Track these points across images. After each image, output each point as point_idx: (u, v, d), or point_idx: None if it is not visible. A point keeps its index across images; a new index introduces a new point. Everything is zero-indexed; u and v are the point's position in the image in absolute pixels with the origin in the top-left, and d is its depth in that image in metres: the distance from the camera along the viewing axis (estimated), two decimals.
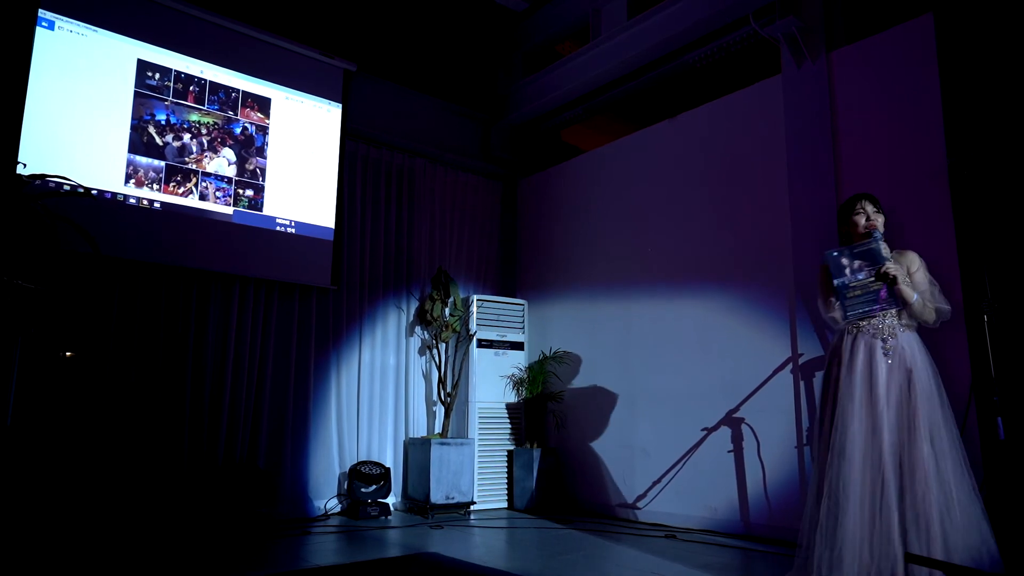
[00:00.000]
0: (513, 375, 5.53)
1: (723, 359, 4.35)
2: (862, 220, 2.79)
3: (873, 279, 2.62)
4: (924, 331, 2.76)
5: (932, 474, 2.41)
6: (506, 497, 5.35)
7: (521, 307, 5.80)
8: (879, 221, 2.78)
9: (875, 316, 2.66)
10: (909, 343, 2.64)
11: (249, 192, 4.68)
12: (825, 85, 4.03)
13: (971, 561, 2.30)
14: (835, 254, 2.69)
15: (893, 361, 2.59)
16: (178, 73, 4.46)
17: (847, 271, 2.67)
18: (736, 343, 4.30)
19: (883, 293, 2.61)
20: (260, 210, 4.71)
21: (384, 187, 5.50)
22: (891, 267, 2.60)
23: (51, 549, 3.50)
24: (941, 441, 2.48)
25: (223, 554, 3.54)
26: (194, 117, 4.49)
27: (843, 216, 2.88)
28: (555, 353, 5.45)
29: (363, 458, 5.00)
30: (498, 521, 4.72)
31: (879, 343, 2.64)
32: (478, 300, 5.54)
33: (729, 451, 4.22)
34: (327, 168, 5.05)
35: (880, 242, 2.66)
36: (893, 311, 2.65)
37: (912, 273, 2.71)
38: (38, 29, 3.95)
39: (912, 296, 2.62)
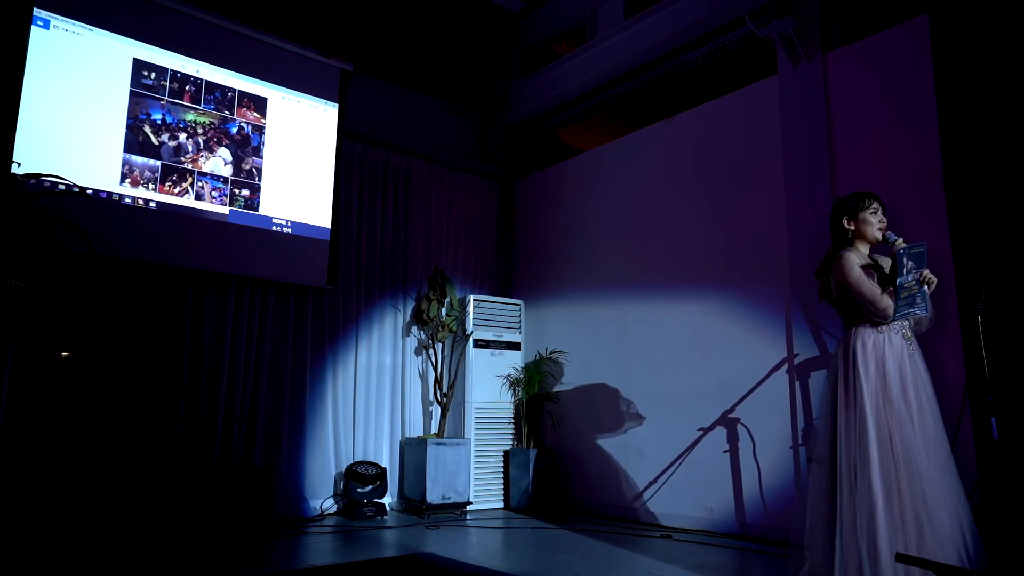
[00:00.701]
0: (509, 375, 5.53)
1: (719, 359, 4.36)
2: (876, 220, 2.73)
3: (917, 282, 2.59)
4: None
5: (952, 476, 2.45)
6: (502, 497, 5.35)
7: (517, 307, 5.80)
8: (886, 223, 2.75)
9: (909, 319, 2.65)
10: (918, 347, 2.66)
11: (245, 192, 4.67)
12: (821, 86, 4.03)
13: (957, 560, 2.31)
14: (902, 251, 2.58)
15: (915, 363, 2.60)
16: (174, 72, 4.45)
17: (905, 271, 2.59)
18: (732, 343, 4.30)
19: (920, 298, 2.62)
20: (256, 210, 4.71)
21: (380, 187, 5.50)
22: (928, 273, 2.60)
23: (46, 549, 3.50)
24: (945, 451, 2.51)
25: (219, 554, 3.54)
26: (190, 117, 4.49)
27: (851, 211, 2.77)
28: (551, 353, 5.46)
29: (359, 458, 5.00)
30: (494, 521, 4.72)
31: (906, 345, 2.62)
32: (474, 300, 5.54)
33: (725, 451, 4.23)
34: (323, 168, 5.04)
35: (926, 247, 2.63)
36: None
37: None
38: (33, 28, 3.94)
39: (930, 305, 2.67)
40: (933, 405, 2.55)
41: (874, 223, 2.73)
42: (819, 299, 2.90)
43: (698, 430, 4.39)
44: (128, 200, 4.18)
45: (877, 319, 2.62)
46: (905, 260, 2.57)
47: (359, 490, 4.69)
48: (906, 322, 2.65)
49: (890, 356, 2.58)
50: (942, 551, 2.32)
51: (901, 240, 2.65)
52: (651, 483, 4.64)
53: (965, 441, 3.14)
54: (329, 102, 5.13)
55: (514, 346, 5.68)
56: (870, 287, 2.63)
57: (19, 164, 3.68)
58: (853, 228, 2.77)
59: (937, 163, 3.46)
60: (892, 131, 3.71)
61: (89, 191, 3.93)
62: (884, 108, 3.77)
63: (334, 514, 4.75)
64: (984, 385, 2.87)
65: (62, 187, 3.62)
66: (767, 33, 4.20)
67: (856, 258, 2.70)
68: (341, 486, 4.80)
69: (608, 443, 5.02)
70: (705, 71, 4.96)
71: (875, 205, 2.75)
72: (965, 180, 3.33)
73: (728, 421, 4.24)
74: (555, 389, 5.43)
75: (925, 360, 2.66)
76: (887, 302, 2.59)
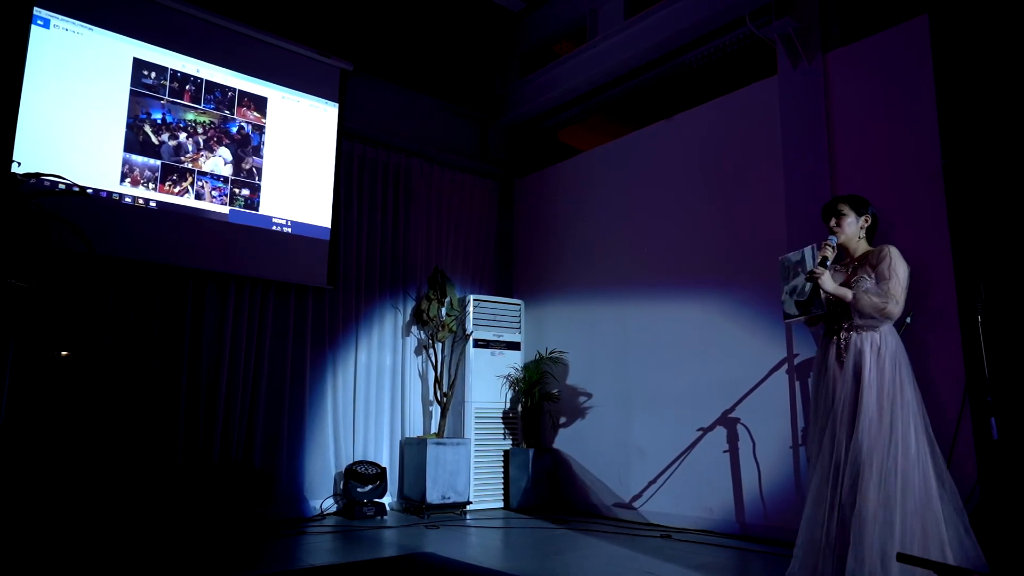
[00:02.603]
0: (509, 375, 5.53)
1: (719, 359, 4.36)
2: (832, 225, 2.80)
3: (804, 282, 2.70)
4: (909, 330, 2.78)
5: (870, 476, 2.42)
6: (502, 497, 5.35)
7: (517, 307, 5.80)
8: (846, 222, 2.76)
9: (819, 314, 2.74)
10: (860, 344, 2.60)
11: (245, 191, 4.67)
12: (821, 86, 4.04)
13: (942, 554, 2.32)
14: (780, 258, 2.87)
15: (846, 364, 2.60)
16: (174, 72, 4.45)
17: (789, 274, 2.80)
18: (732, 343, 4.30)
19: (808, 298, 2.73)
20: (256, 209, 4.70)
21: (381, 187, 5.50)
22: (817, 270, 2.61)
23: (46, 549, 3.50)
24: (902, 438, 2.47)
25: (219, 554, 3.54)
26: (190, 116, 4.49)
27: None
28: (551, 353, 5.46)
29: (359, 458, 5.00)
30: (494, 521, 4.72)
31: (833, 348, 2.68)
32: (474, 300, 5.54)
33: (725, 451, 4.23)
34: (323, 168, 5.04)
35: (816, 247, 2.73)
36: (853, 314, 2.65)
37: (875, 268, 2.65)
38: (33, 27, 3.94)
39: (847, 295, 2.61)
40: (888, 401, 2.51)
41: (832, 230, 2.82)
42: None
43: (698, 430, 4.40)
44: (128, 200, 4.18)
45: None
46: (785, 264, 2.81)
47: (359, 490, 4.69)
48: (845, 323, 2.65)
49: (824, 361, 2.71)
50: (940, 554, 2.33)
51: (832, 242, 2.75)
52: (651, 483, 4.64)
53: (965, 441, 3.14)
54: (329, 102, 5.13)
55: (514, 346, 5.68)
56: None
57: (19, 163, 3.68)
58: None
59: (937, 163, 3.47)
60: (892, 131, 3.71)
61: (89, 191, 3.93)
62: (884, 108, 3.77)
63: (334, 514, 4.75)
64: (984, 385, 2.87)
65: (62, 187, 3.62)
66: (767, 33, 4.21)
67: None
68: (341, 486, 4.80)
69: (608, 443, 5.02)
70: (705, 71, 4.96)
71: (830, 215, 2.82)
72: (965, 180, 3.33)
73: (728, 421, 4.25)
74: (555, 389, 5.43)
75: (915, 358, 2.67)
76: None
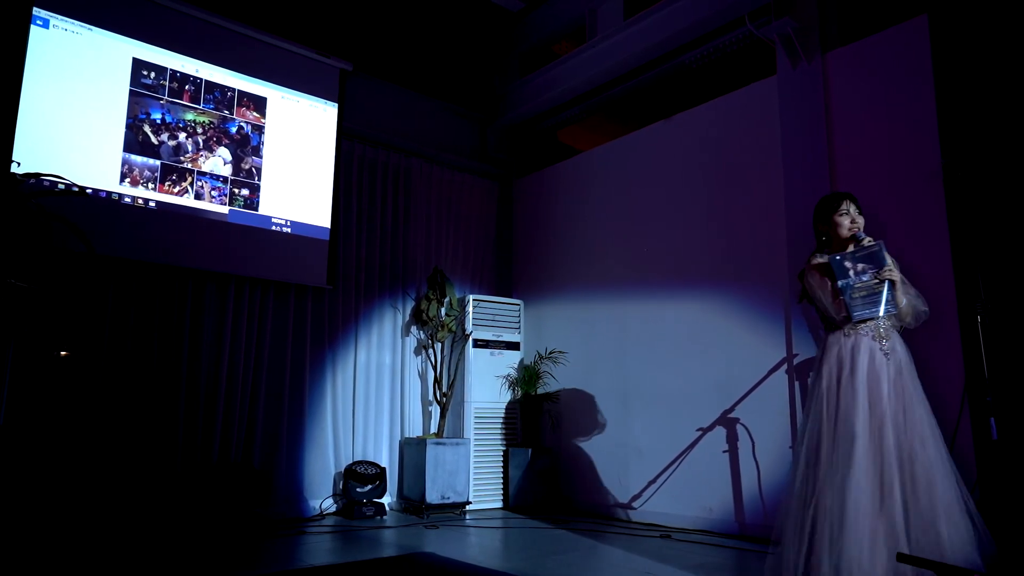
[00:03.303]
0: (509, 375, 5.53)
1: (718, 359, 4.36)
2: (846, 221, 2.75)
3: (877, 281, 2.63)
4: (909, 331, 2.77)
5: (936, 475, 2.41)
6: (501, 497, 5.35)
7: (517, 307, 5.81)
8: (860, 223, 2.76)
9: (876, 318, 2.64)
10: (900, 344, 2.64)
11: (245, 191, 4.67)
12: (820, 86, 4.04)
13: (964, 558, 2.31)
14: (838, 258, 2.69)
15: (891, 362, 2.58)
16: (173, 72, 4.45)
17: (851, 273, 2.67)
18: (731, 343, 4.31)
19: (886, 296, 2.63)
20: (256, 209, 4.70)
21: (380, 187, 5.50)
22: (894, 271, 2.63)
23: (45, 549, 3.49)
24: (934, 441, 2.48)
25: (218, 554, 3.54)
26: (190, 116, 4.49)
27: (823, 214, 2.82)
28: (551, 353, 5.45)
29: (359, 458, 5.00)
30: (493, 521, 4.72)
31: (877, 344, 2.62)
32: (474, 300, 5.54)
33: (724, 451, 4.23)
34: (323, 168, 5.04)
35: (882, 246, 2.66)
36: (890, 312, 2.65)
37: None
38: (33, 27, 3.94)
39: (903, 300, 2.64)
40: (917, 401, 2.53)
41: (844, 224, 2.75)
42: (798, 301, 2.97)
43: (697, 430, 4.40)
44: (128, 200, 4.18)
45: (837, 324, 2.70)
46: (844, 263, 2.66)
47: (358, 490, 4.69)
48: (878, 322, 2.64)
49: (861, 359, 2.60)
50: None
51: (868, 240, 2.69)
52: (650, 483, 4.65)
53: (965, 441, 3.15)
54: (328, 102, 5.13)
55: (513, 346, 5.68)
56: (821, 296, 2.72)
57: (19, 163, 3.68)
58: (826, 230, 2.83)
59: (936, 163, 3.47)
60: (891, 131, 3.71)
61: (89, 191, 3.93)
62: (883, 108, 3.77)
63: (333, 514, 4.75)
64: (983, 385, 2.87)
65: (62, 187, 3.62)
66: (766, 33, 4.21)
67: (816, 270, 2.76)
68: (340, 486, 4.80)
69: (607, 443, 5.02)
70: (704, 71, 4.96)
71: (845, 205, 2.76)
72: (964, 180, 3.33)
73: (727, 421, 4.25)
74: (554, 389, 5.43)
75: (914, 358, 2.65)
76: (839, 309, 2.66)
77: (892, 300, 2.64)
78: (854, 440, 2.48)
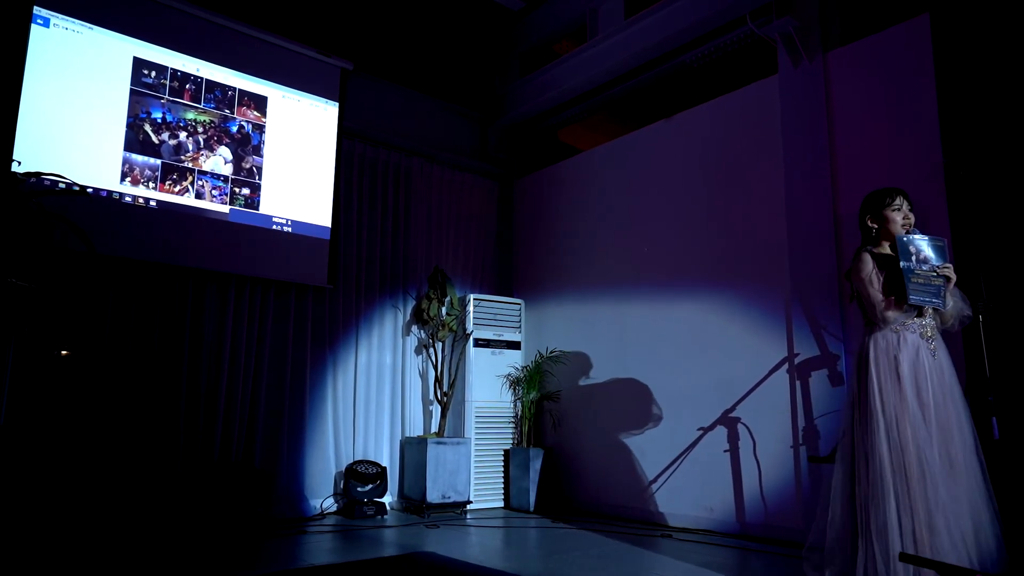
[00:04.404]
0: (510, 374, 5.53)
1: (719, 359, 4.36)
2: (899, 217, 2.69)
3: (936, 274, 2.58)
4: None
5: (974, 474, 2.42)
6: (502, 496, 5.35)
7: (518, 306, 5.80)
8: (912, 220, 2.70)
9: (924, 314, 2.62)
10: (943, 348, 2.62)
11: (245, 191, 4.67)
12: (821, 85, 4.04)
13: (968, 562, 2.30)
14: (906, 238, 2.61)
15: (937, 361, 2.57)
16: (174, 71, 4.45)
17: (913, 258, 2.60)
18: (732, 343, 4.30)
19: (942, 290, 2.59)
20: (256, 209, 4.70)
21: (381, 186, 5.50)
22: (950, 266, 2.59)
23: (45, 548, 3.49)
24: (975, 445, 2.50)
25: (219, 554, 3.53)
26: (190, 115, 4.48)
27: (874, 208, 2.76)
28: (552, 353, 5.45)
29: (359, 457, 5.00)
30: (494, 520, 4.72)
31: (924, 343, 2.59)
32: (475, 299, 5.54)
33: (725, 451, 4.23)
34: (324, 167, 5.04)
35: (946, 243, 2.64)
36: (932, 312, 2.63)
37: None
38: (33, 26, 3.93)
39: (950, 301, 2.61)
40: (959, 404, 2.52)
41: (898, 220, 2.69)
42: (848, 301, 2.90)
43: (698, 429, 4.39)
44: (128, 199, 4.18)
45: (884, 321, 2.62)
46: (912, 247, 2.59)
47: (359, 489, 4.69)
48: (926, 320, 2.61)
49: (904, 356, 2.56)
50: (954, 552, 2.31)
51: (920, 236, 2.65)
52: (651, 482, 4.64)
53: None
54: (329, 101, 5.12)
55: (514, 345, 5.68)
56: (873, 292, 2.64)
57: (19, 163, 3.67)
58: (876, 226, 2.76)
59: (938, 162, 3.46)
60: (893, 130, 3.71)
61: (89, 190, 3.92)
62: (885, 107, 3.77)
63: (334, 513, 4.75)
64: (985, 385, 2.87)
65: (62, 186, 3.62)
66: (768, 33, 4.20)
67: (871, 259, 2.69)
68: (341, 485, 4.80)
69: (608, 442, 5.01)
70: (705, 71, 4.96)
71: (899, 201, 2.71)
72: (966, 180, 3.33)
73: (728, 420, 4.25)
74: (555, 388, 5.43)
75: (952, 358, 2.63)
76: (887, 309, 2.60)
77: (942, 297, 2.59)
78: (909, 443, 2.45)
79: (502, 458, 5.40)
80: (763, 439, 4.07)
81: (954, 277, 2.59)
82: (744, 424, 4.17)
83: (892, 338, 2.61)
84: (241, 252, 4.57)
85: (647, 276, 4.93)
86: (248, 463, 4.43)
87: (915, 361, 2.56)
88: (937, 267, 2.58)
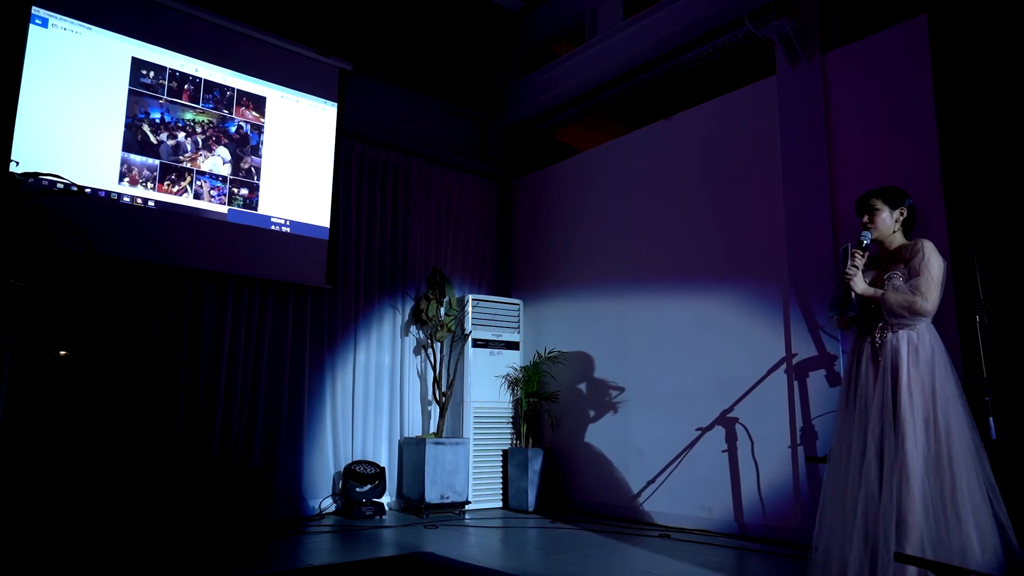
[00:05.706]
0: (508, 375, 5.53)
1: (717, 359, 4.36)
2: (864, 218, 2.74)
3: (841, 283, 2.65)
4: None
5: (914, 474, 2.35)
6: (501, 497, 5.35)
7: (516, 307, 5.80)
8: (880, 217, 2.69)
9: (852, 315, 2.67)
10: (896, 343, 2.54)
11: (244, 191, 4.67)
12: (819, 86, 4.04)
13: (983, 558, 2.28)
14: (843, 248, 2.70)
15: (882, 363, 2.53)
16: (173, 71, 4.45)
17: (838, 271, 2.71)
18: (730, 343, 4.30)
19: (839, 296, 2.65)
20: (255, 209, 4.70)
21: (380, 186, 5.50)
22: (849, 271, 2.60)
23: (43, 549, 3.49)
24: (943, 436, 2.41)
25: (217, 554, 3.54)
26: (189, 115, 4.48)
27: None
28: (550, 353, 5.45)
29: (358, 457, 5.00)
30: (493, 521, 4.72)
31: (868, 346, 2.61)
32: (473, 300, 5.54)
33: (723, 451, 4.23)
34: (322, 167, 5.04)
35: (852, 246, 2.66)
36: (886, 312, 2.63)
37: (908, 263, 2.60)
38: (31, 26, 3.94)
39: (878, 293, 2.57)
40: (929, 400, 2.46)
41: (863, 221, 2.76)
42: None
43: (697, 430, 4.40)
44: (127, 199, 4.18)
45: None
46: (838, 259, 2.72)
47: (358, 489, 4.69)
48: (880, 322, 2.58)
49: (854, 359, 2.65)
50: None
51: (865, 237, 2.69)
52: (649, 483, 4.65)
53: None
54: (328, 101, 5.12)
55: (513, 345, 5.68)
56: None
57: (17, 163, 3.68)
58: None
59: (935, 162, 3.47)
60: (891, 131, 3.71)
61: (88, 190, 3.92)
62: (883, 108, 3.77)
63: (333, 513, 4.75)
64: (982, 385, 2.87)
65: (60, 186, 3.62)
66: (766, 33, 4.21)
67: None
68: (340, 485, 4.80)
69: (607, 443, 5.02)
70: (704, 71, 4.96)
71: (867, 203, 2.75)
72: (963, 179, 3.33)
73: (727, 421, 4.25)
74: (554, 389, 5.43)
75: (918, 357, 2.53)
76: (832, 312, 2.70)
77: (852, 304, 2.61)
78: (838, 442, 2.56)
79: (500, 458, 5.40)
80: (761, 439, 4.07)
81: (852, 275, 2.59)
82: (742, 424, 4.18)
83: (856, 345, 2.70)
84: (239, 252, 4.58)
85: (646, 276, 4.93)
86: (247, 463, 4.44)
87: (858, 365, 2.62)
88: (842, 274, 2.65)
